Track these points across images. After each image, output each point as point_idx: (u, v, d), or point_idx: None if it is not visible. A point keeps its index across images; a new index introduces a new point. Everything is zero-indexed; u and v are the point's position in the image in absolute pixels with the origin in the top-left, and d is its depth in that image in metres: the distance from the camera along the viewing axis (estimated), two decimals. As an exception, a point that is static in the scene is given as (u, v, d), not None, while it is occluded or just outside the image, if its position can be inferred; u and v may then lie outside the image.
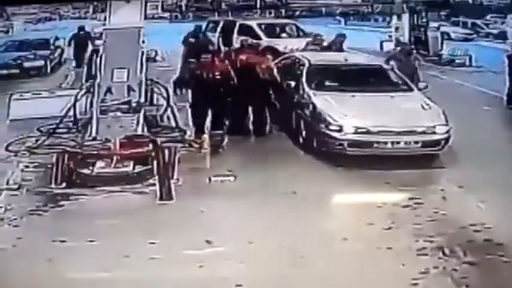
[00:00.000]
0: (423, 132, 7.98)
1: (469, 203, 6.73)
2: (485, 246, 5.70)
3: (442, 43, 13.34)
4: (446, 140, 8.10)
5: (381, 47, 13.87)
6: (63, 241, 5.74)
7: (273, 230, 5.92)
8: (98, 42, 9.86)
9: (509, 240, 5.73)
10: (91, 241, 5.70)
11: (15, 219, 6.32)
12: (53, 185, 7.02)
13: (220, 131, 7.95)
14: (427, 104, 8.62)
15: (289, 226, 6.03)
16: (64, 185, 7.02)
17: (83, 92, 8.29)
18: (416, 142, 7.85)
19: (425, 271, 5.25)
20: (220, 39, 15.24)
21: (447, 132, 8.13)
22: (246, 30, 15.31)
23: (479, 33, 16.32)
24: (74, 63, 15.43)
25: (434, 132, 8.05)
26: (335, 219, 6.43)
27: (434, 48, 12.96)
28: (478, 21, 16.55)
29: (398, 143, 7.85)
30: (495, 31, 15.85)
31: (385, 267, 5.32)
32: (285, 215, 6.28)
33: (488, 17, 16.64)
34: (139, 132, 7.64)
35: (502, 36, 14.66)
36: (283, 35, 15.45)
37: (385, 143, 7.74)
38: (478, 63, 11.86)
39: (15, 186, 7.07)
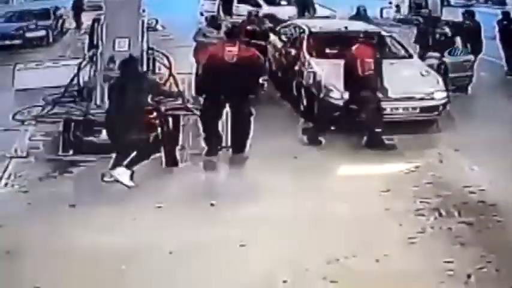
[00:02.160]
0: (422, 99, 8.11)
1: (464, 165, 6.92)
2: (479, 207, 5.87)
3: (441, 9, 13.32)
4: (444, 105, 8.24)
5: (381, 14, 13.88)
6: (73, 205, 5.89)
7: (273, 194, 6.07)
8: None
9: (502, 201, 5.89)
10: (99, 205, 5.84)
11: (24, 185, 6.45)
12: (60, 153, 7.19)
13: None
14: (426, 71, 8.72)
15: (291, 190, 6.19)
16: (71, 152, 7.17)
17: (85, 61, 8.36)
18: (414, 108, 8.00)
19: (422, 231, 5.42)
20: (220, 7, 15.28)
21: (445, 98, 8.27)
22: (246, -2, 15.30)
23: (479, -1, 16.28)
24: (74, 25, 15.40)
25: (432, 98, 8.18)
26: (335, 183, 6.60)
27: (434, 14, 12.97)
28: (478, -14, 16.48)
29: (397, 108, 7.99)
30: (494, -4, 15.80)
31: (383, 227, 5.47)
32: (287, 179, 6.43)
33: (487, -18, 16.58)
34: (143, 100, 7.74)
35: (501, 1, 14.65)
36: (283, 2, 15.45)
37: (384, 108, 7.88)
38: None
39: (24, 154, 7.21)
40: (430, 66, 9.14)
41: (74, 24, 15.67)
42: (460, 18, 11.32)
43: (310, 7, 14.28)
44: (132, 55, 7.03)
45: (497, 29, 11.60)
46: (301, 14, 13.96)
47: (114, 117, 6.39)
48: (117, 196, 6.10)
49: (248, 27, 9.94)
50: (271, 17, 11.78)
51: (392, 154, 7.31)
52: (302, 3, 14.46)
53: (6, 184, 6.58)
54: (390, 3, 14.42)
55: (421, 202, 5.94)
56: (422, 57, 9.61)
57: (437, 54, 9.64)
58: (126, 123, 6.25)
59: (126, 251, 5.03)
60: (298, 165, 6.89)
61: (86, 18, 14.22)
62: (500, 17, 11.91)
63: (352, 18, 12.25)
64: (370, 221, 5.56)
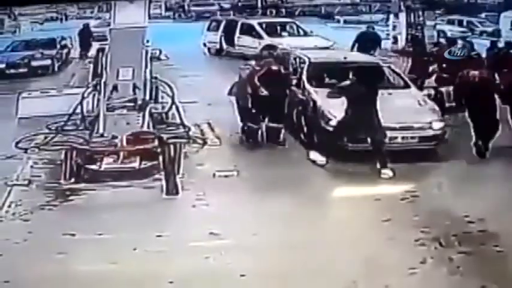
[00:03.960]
0: (420, 128, 8.19)
1: (464, 195, 6.93)
2: (479, 237, 5.88)
3: (438, 41, 13.57)
4: (442, 135, 8.31)
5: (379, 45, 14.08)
6: (73, 234, 5.90)
7: (275, 223, 6.08)
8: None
9: (502, 230, 5.90)
10: (99, 234, 5.86)
11: (25, 214, 6.48)
12: (62, 181, 7.21)
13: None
14: (424, 101, 8.82)
15: (291, 218, 6.20)
16: (73, 180, 7.19)
17: (89, 90, 8.46)
18: (413, 137, 8.04)
19: (423, 261, 5.41)
20: (223, 38, 15.48)
21: (443, 127, 8.35)
22: (247, 29, 15.53)
23: (474, 31, 16.57)
24: (78, 54, 15.63)
25: (430, 128, 8.26)
26: (335, 212, 6.61)
27: (431, 47, 13.18)
28: (473, 20, 16.78)
29: (395, 138, 8.03)
30: (489, 29, 16.10)
31: (384, 257, 5.47)
32: (287, 207, 6.45)
33: (482, 15, 16.88)
34: (145, 129, 7.83)
35: (496, 34, 14.93)
36: (284, 33, 15.63)
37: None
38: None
39: (25, 182, 7.24)
40: (428, 96, 9.23)
41: (79, 53, 15.88)
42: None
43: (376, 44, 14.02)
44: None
45: (484, 55, 11.81)
46: (362, 51, 13.59)
47: None
48: (117, 225, 6.09)
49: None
50: (273, 48, 11.88)
51: (393, 183, 7.33)
52: (365, 38, 14.16)
53: (7, 212, 6.60)
54: (387, 34, 14.63)
55: (421, 232, 5.94)
56: (420, 87, 9.70)
57: (434, 84, 9.74)
58: None
59: (126, 280, 5.02)
60: (299, 194, 6.90)
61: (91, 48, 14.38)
62: (488, 45, 12.22)
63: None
64: (371, 251, 5.56)
